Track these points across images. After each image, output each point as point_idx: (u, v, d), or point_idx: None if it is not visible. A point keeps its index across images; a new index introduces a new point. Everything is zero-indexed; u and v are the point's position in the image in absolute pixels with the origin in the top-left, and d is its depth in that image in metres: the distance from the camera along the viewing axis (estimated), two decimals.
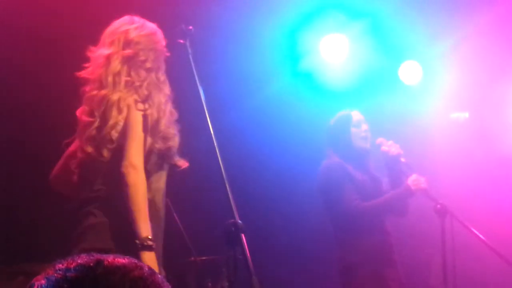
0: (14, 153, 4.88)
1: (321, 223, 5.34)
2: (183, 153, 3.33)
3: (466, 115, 6.13)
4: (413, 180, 4.40)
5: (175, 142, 3.24)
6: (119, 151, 3.11)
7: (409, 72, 5.81)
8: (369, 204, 4.37)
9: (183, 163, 3.28)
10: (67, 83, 3.46)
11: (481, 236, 4.25)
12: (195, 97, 3.09)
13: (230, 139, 4.76)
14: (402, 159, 4.50)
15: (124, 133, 3.12)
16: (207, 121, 3.01)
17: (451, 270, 4.19)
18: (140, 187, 3.03)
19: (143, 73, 3.23)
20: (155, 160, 3.20)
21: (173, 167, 3.28)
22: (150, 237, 3.01)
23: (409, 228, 5.05)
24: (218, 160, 2.94)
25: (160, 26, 3.41)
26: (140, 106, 3.17)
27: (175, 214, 3.16)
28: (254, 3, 5.31)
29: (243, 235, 2.75)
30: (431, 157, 5.68)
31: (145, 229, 3.01)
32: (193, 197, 5.20)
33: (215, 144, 2.97)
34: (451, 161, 5.67)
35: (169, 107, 3.26)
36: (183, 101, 3.36)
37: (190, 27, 3.19)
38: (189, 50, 3.15)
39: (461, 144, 5.78)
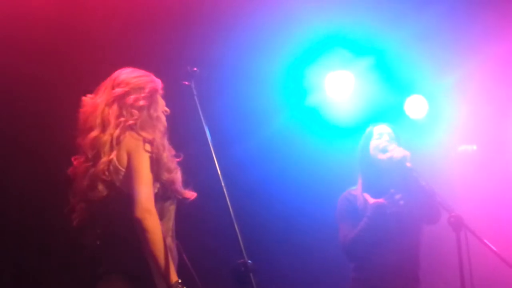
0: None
1: (329, 257, 5.33)
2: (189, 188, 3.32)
3: (474, 147, 6.12)
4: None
5: (178, 174, 3.21)
6: (125, 196, 3.07)
7: (415, 106, 5.83)
8: (353, 234, 4.22)
9: (191, 194, 3.25)
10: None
11: (495, 249, 4.04)
12: (201, 137, 3.11)
13: (236, 175, 4.78)
14: (408, 164, 4.22)
15: (131, 176, 3.08)
16: (214, 162, 3.03)
17: (468, 285, 3.97)
18: (158, 231, 3.01)
19: (135, 112, 3.20)
20: (162, 194, 3.17)
21: (182, 201, 3.24)
22: (180, 281, 2.99)
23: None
24: (226, 198, 2.96)
25: (166, 67, 3.45)
26: (147, 147, 3.13)
27: (184, 255, 3.16)
28: (260, 41, 5.37)
29: (252, 275, 2.76)
30: (439, 190, 5.66)
31: (173, 273, 3.00)
32: (200, 236, 5.19)
33: (222, 182, 2.99)
34: (460, 194, 5.65)
35: (165, 143, 3.22)
36: (190, 140, 3.39)
37: (195, 69, 3.22)
38: (194, 92, 3.18)
39: (469, 176, 5.77)
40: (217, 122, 4.75)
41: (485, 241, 4.05)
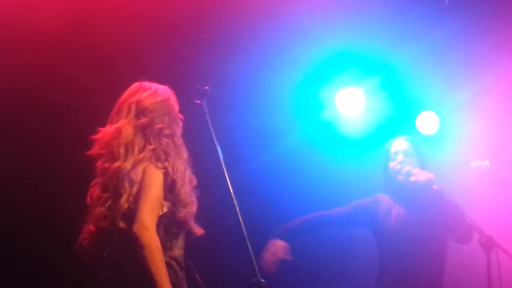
0: None
1: (345, 274, 5.30)
2: (202, 212, 3.32)
3: (487, 163, 6.09)
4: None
5: (193, 209, 3.19)
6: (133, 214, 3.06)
7: (426, 122, 5.84)
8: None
9: (199, 231, 3.22)
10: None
11: None
12: (214, 155, 3.11)
13: (249, 191, 4.79)
14: (435, 187, 4.17)
15: (139, 193, 3.07)
16: (226, 180, 3.03)
17: None
18: (156, 247, 2.98)
19: (164, 140, 3.18)
20: (174, 228, 3.15)
21: (189, 233, 3.22)
22: None
23: (450, 265, 4.66)
24: (238, 215, 2.97)
25: (178, 86, 3.45)
26: (160, 164, 3.11)
27: (197, 275, 3.15)
28: (273, 59, 5.40)
29: None
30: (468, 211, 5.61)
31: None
32: (213, 254, 5.18)
33: (234, 200, 2.99)
34: (473, 210, 5.61)
35: (188, 174, 3.21)
36: (202, 158, 3.39)
37: (206, 87, 3.23)
38: (206, 110, 3.19)
39: (482, 192, 5.74)
40: (230, 138, 4.78)
41: None
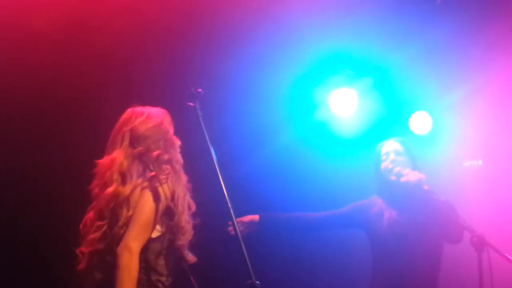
0: None
1: (338, 275, 5.31)
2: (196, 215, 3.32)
3: (480, 162, 6.11)
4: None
5: (190, 236, 3.20)
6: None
7: (419, 122, 5.85)
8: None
9: (191, 258, 3.23)
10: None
11: None
12: (207, 157, 3.11)
13: (243, 192, 4.79)
14: (425, 187, 4.16)
15: (132, 217, 3.07)
16: (220, 182, 3.03)
17: None
18: (131, 271, 2.97)
19: (164, 167, 3.18)
20: (167, 254, 3.15)
21: (180, 261, 3.22)
22: None
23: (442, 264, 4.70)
24: (232, 218, 2.96)
25: (171, 87, 3.45)
26: (158, 189, 3.11)
27: (192, 278, 3.15)
28: (267, 60, 5.41)
29: None
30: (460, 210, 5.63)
31: None
32: (207, 257, 5.16)
33: (229, 203, 2.98)
34: (466, 209, 5.62)
35: (187, 199, 3.21)
36: (196, 161, 3.39)
37: (199, 90, 3.22)
38: (199, 113, 3.18)
39: (475, 191, 5.76)
40: (224, 139, 4.78)
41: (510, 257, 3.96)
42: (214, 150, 3.11)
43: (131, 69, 4.76)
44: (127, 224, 3.07)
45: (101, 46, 4.92)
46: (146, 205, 3.07)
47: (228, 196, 2.99)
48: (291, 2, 5.19)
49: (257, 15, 5.16)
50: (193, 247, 3.25)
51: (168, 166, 3.19)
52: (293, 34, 5.31)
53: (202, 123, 3.17)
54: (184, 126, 3.38)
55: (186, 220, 3.16)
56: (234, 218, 2.98)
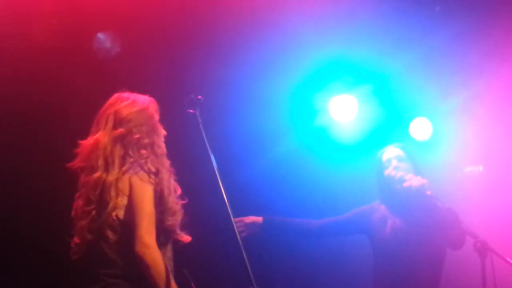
0: None
1: (339, 281, 5.30)
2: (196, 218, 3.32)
3: (480, 168, 6.11)
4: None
5: (180, 217, 3.18)
6: (128, 230, 3.04)
7: (419, 128, 5.86)
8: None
9: (186, 238, 3.21)
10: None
11: None
12: (208, 164, 3.12)
13: (244, 198, 4.80)
14: (428, 192, 4.14)
15: (132, 210, 3.05)
16: (221, 189, 3.03)
17: None
18: (160, 265, 2.97)
19: (143, 150, 3.17)
20: (162, 238, 3.13)
21: (176, 242, 3.21)
22: None
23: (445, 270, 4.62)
24: (233, 224, 2.97)
25: (171, 94, 3.45)
26: (146, 176, 3.10)
27: (192, 284, 3.15)
28: (267, 67, 5.42)
29: None
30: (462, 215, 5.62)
31: None
32: (208, 263, 5.18)
33: (229, 209, 2.99)
34: (467, 214, 5.62)
35: (172, 182, 3.20)
36: (196, 168, 3.40)
37: (200, 97, 3.22)
38: (199, 120, 3.18)
39: (475, 197, 5.76)
40: (225, 145, 4.79)
41: None
42: (215, 156, 3.11)
43: (131, 76, 4.76)
44: (117, 210, 3.06)
45: (101, 53, 4.93)
46: (145, 197, 3.05)
47: (228, 203, 2.99)
48: (292, 9, 5.21)
49: (258, 22, 5.18)
50: (193, 250, 3.25)
51: (147, 151, 3.17)
52: (294, 41, 5.33)
53: (203, 131, 3.17)
54: (184, 133, 3.38)
55: (173, 201, 3.15)
56: (234, 225, 2.98)
